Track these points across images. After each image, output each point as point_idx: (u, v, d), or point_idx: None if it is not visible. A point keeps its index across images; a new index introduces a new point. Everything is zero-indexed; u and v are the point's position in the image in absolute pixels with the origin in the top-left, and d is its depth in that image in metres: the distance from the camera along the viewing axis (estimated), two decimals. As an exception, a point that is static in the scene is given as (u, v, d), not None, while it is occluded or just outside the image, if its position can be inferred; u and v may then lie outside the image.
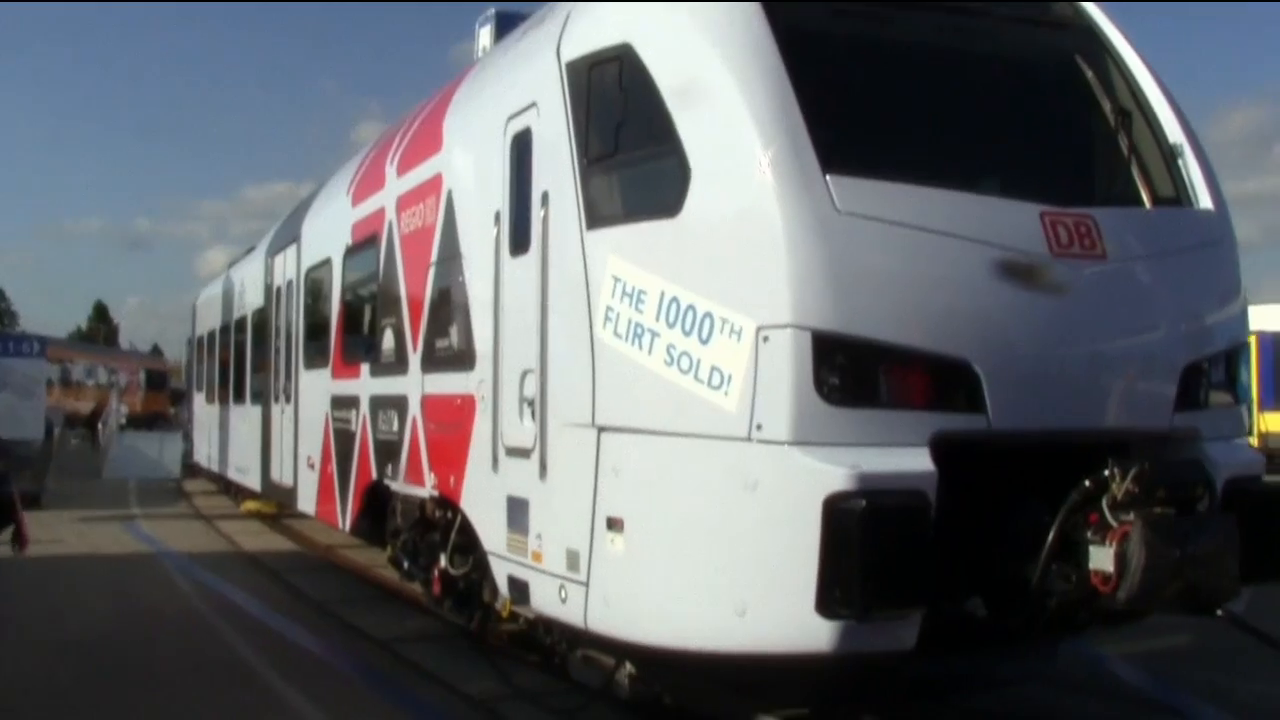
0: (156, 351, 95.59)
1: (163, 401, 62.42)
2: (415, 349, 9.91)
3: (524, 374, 7.72)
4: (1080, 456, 6.02)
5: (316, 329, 13.86)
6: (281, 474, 15.39)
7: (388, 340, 10.71)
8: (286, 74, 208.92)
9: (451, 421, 8.99)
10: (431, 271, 9.56)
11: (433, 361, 9.50)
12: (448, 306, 9.22)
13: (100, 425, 35.83)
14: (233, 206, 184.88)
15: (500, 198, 8.16)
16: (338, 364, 12.65)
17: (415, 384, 9.84)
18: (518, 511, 7.78)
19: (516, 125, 7.98)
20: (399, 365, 10.31)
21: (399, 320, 10.35)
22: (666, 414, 6.31)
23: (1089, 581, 5.75)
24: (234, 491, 21.97)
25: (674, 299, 6.26)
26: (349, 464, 11.91)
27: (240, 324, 19.69)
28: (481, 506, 8.52)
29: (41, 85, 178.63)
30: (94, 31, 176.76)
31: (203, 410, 25.52)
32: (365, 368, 11.47)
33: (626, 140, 6.77)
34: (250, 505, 20.70)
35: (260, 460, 16.93)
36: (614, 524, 6.63)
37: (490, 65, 9.43)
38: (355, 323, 12.26)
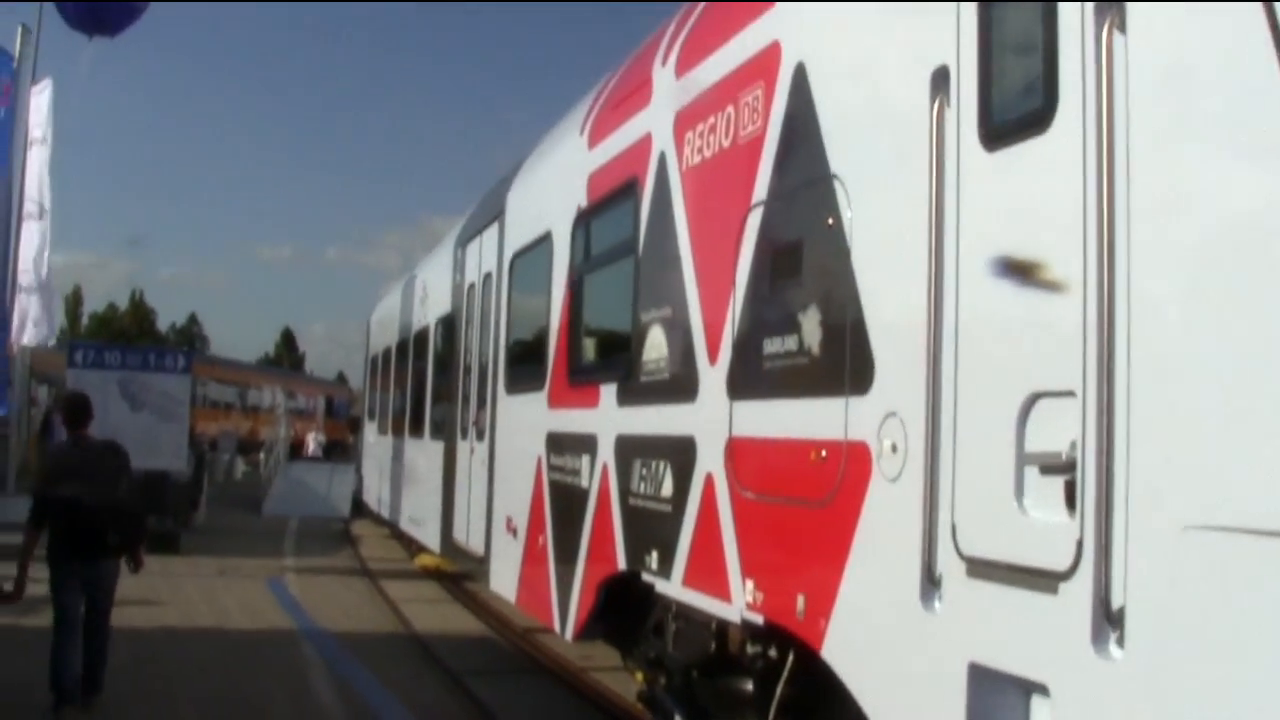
0: (341, 379, 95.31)
1: (343, 430, 61.04)
2: (713, 358, 5.77)
3: (1030, 402, 3.51)
4: None
5: (526, 336, 9.79)
6: (468, 536, 11.43)
7: (654, 345, 6.61)
8: (476, 104, 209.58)
9: (800, 491, 4.82)
10: (752, 220, 5.41)
11: (755, 379, 5.32)
12: (794, 277, 5.04)
13: (262, 454, 32.96)
14: (419, 236, 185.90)
15: (949, 39, 4.00)
16: (559, 385, 8.56)
17: (714, 418, 5.68)
18: (1005, 706, 3.55)
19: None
20: (678, 386, 6.19)
21: (679, 311, 6.24)
22: None
23: None
24: (408, 537, 18.32)
25: None
26: (575, 536, 7.82)
27: (420, 338, 16.00)
28: (880, 665, 4.32)
29: (236, 115, 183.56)
30: (283, 61, 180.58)
31: (374, 443, 22.01)
32: (608, 391, 7.36)
33: None
34: (426, 560, 16.92)
35: (441, 513, 13.01)
36: None
37: None
38: (591, 322, 8.20)
